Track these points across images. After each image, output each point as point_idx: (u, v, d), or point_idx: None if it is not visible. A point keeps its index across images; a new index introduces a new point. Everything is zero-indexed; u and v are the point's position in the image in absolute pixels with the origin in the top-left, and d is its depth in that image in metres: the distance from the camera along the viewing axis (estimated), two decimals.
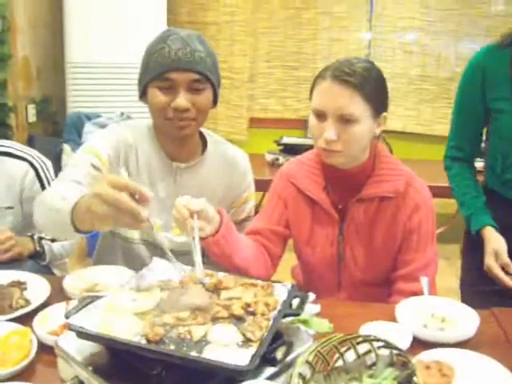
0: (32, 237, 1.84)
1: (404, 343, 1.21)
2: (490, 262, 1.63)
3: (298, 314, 1.07)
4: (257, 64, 4.61)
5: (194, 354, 0.90)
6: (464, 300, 1.44)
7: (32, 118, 3.93)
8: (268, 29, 4.53)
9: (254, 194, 1.80)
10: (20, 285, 1.45)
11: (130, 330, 0.95)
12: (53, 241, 1.87)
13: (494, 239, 1.66)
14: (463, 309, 1.38)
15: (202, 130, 1.72)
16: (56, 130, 4.05)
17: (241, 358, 0.89)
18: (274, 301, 1.06)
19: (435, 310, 1.36)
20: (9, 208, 1.86)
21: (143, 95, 1.58)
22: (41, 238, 1.84)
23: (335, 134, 1.41)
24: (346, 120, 1.41)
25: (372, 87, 1.42)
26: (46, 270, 1.85)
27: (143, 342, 0.92)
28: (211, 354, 0.90)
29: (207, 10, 4.54)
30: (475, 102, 1.76)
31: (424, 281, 1.45)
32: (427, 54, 4.36)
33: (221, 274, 1.20)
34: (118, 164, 1.59)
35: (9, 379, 1.06)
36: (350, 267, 1.59)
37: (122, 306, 1.02)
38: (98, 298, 1.05)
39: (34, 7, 3.94)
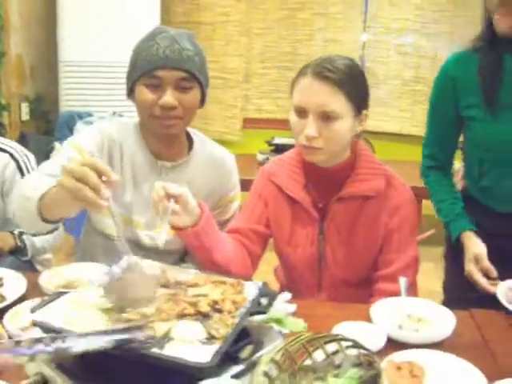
0: (12, 232, 1.83)
1: (377, 344, 1.20)
2: (470, 267, 1.61)
3: (264, 312, 1.06)
4: (251, 64, 4.62)
5: (154, 350, 0.89)
6: (446, 305, 1.42)
7: (25, 117, 3.94)
8: (263, 29, 4.53)
9: (239, 195, 1.79)
10: None
11: (93, 326, 0.94)
12: (34, 235, 1.86)
13: (473, 245, 1.64)
14: (440, 310, 1.37)
15: (189, 129, 1.71)
16: (49, 128, 4.05)
17: (203, 355, 0.88)
18: (242, 299, 1.06)
19: (412, 310, 1.35)
20: None
21: (131, 93, 1.57)
22: (21, 233, 1.84)
23: (316, 130, 1.41)
24: (326, 117, 1.40)
25: (353, 84, 1.42)
26: (27, 267, 1.84)
27: None
28: (173, 350, 0.89)
29: (202, 10, 4.54)
30: (448, 110, 1.73)
31: (402, 281, 1.44)
32: (421, 55, 4.36)
33: (192, 272, 1.19)
34: (102, 159, 1.58)
35: None
36: (331, 267, 1.58)
37: (88, 301, 1.01)
38: (66, 293, 1.04)
39: (28, 5, 3.95)
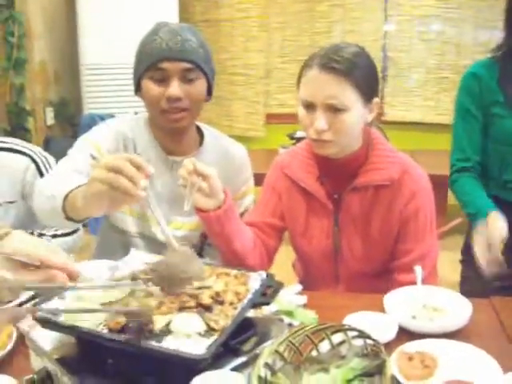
0: (32, 233, 1.85)
1: (388, 334, 1.17)
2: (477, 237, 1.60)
3: (268, 303, 1.05)
4: (271, 59, 4.59)
5: (152, 343, 0.88)
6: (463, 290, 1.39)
7: (50, 121, 4.01)
8: (282, 23, 4.50)
9: (253, 189, 1.78)
10: None
11: (94, 320, 0.94)
12: (54, 236, 1.88)
13: (497, 227, 1.59)
14: (457, 298, 1.33)
15: (199, 124, 1.71)
16: (74, 131, 4.11)
17: (200, 347, 0.87)
18: (245, 290, 1.04)
19: (427, 300, 1.31)
20: (11, 202, 1.88)
21: (138, 90, 1.58)
22: (41, 235, 1.86)
23: (325, 123, 1.37)
24: (335, 109, 1.37)
25: (361, 73, 1.38)
26: None
27: (105, 330, 0.92)
28: (171, 343, 0.88)
29: (220, 7, 4.55)
30: (475, 109, 1.76)
31: (418, 270, 1.40)
32: (445, 41, 4.26)
33: None
34: None
35: None
36: (347, 258, 1.56)
37: (89, 296, 1.01)
38: (69, 288, 1.04)
39: (49, 13, 4.02)
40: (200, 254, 1.76)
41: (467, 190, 1.77)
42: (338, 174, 1.52)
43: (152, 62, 1.49)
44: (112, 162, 1.00)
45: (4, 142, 1.93)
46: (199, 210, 1.39)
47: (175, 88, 1.48)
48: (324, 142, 1.41)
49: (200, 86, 1.54)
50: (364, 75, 1.39)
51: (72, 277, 0.89)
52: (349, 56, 1.37)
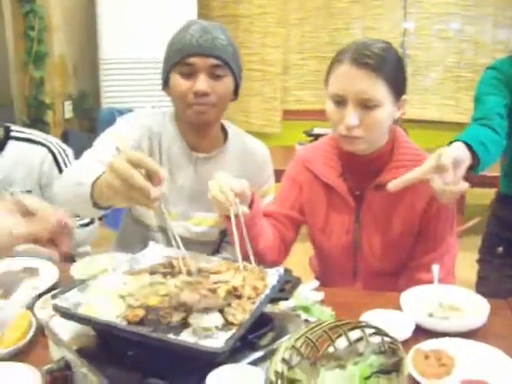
0: None
1: (405, 332, 1.17)
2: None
3: (286, 298, 1.05)
4: (289, 55, 4.58)
5: (170, 336, 0.89)
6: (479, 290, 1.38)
7: (69, 114, 4.04)
8: (300, 20, 4.49)
9: (274, 188, 1.79)
10: (31, 271, 1.49)
11: (113, 312, 0.95)
12: None
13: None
14: (474, 298, 1.32)
15: (224, 121, 1.72)
16: (92, 125, 4.14)
17: (219, 340, 0.88)
18: (263, 285, 1.04)
19: (444, 298, 1.31)
20: (28, 192, 1.91)
21: (166, 85, 1.60)
22: None
23: (356, 119, 1.37)
24: (366, 105, 1.36)
25: (391, 68, 1.37)
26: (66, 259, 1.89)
27: (124, 323, 0.92)
28: (189, 336, 0.89)
29: (239, 2, 4.54)
30: (498, 94, 1.69)
31: (435, 269, 1.40)
32: (464, 40, 4.22)
33: (214, 259, 1.18)
34: (142, 151, 1.59)
35: (4, 359, 1.09)
36: (367, 256, 1.55)
37: (108, 288, 1.02)
38: (87, 281, 1.05)
39: (69, 6, 4.04)
40: (217, 250, 1.77)
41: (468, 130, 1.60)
42: (362, 170, 1.51)
43: (181, 57, 1.51)
44: (122, 169, 0.97)
45: (22, 133, 1.96)
46: (226, 217, 1.36)
47: (202, 83, 1.51)
48: (354, 139, 1.40)
49: (227, 82, 1.56)
50: (394, 70, 1.38)
51: (66, 227, 0.92)
52: (379, 51, 1.36)
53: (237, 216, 1.29)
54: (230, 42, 1.57)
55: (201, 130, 1.63)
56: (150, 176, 0.99)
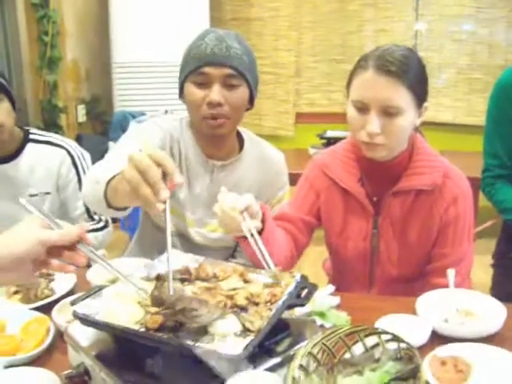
0: None
1: (421, 338, 1.17)
2: None
3: (302, 305, 1.05)
4: (302, 58, 4.58)
5: (189, 342, 0.89)
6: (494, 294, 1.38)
7: (82, 118, 4.07)
8: (312, 23, 4.48)
9: (288, 194, 1.78)
10: (48, 276, 1.50)
11: (131, 318, 0.96)
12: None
13: None
14: (491, 303, 1.32)
15: (240, 128, 1.72)
16: (105, 128, 4.17)
17: (236, 347, 0.88)
18: (279, 291, 1.05)
19: (460, 303, 1.31)
20: (47, 193, 1.94)
21: (181, 93, 1.60)
22: None
23: (379, 126, 1.36)
24: (389, 112, 1.35)
25: (414, 74, 1.36)
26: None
27: (143, 329, 0.93)
28: (207, 343, 0.89)
29: (251, 6, 4.55)
30: (509, 115, 1.73)
31: (450, 273, 1.40)
32: (477, 42, 4.20)
33: (230, 265, 1.19)
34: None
35: (24, 364, 1.10)
36: (384, 262, 1.55)
37: (128, 294, 1.03)
38: (106, 286, 1.06)
39: (82, 11, 4.08)
40: (232, 256, 1.78)
41: (508, 197, 1.75)
42: (381, 176, 1.51)
43: (196, 66, 1.51)
44: (142, 161, 0.94)
45: (42, 136, 2.00)
46: (239, 238, 1.37)
47: (216, 93, 1.50)
48: (375, 146, 1.40)
49: (241, 92, 1.55)
50: (417, 77, 1.38)
51: (86, 241, 0.96)
52: (402, 58, 1.36)
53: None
54: (246, 52, 1.55)
55: (216, 142, 1.63)
56: (165, 178, 0.95)
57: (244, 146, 1.70)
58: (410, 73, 1.35)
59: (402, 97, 1.34)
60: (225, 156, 1.67)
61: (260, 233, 1.35)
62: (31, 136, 1.96)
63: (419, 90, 1.38)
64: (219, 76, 1.50)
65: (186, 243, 1.70)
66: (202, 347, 0.88)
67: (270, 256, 1.28)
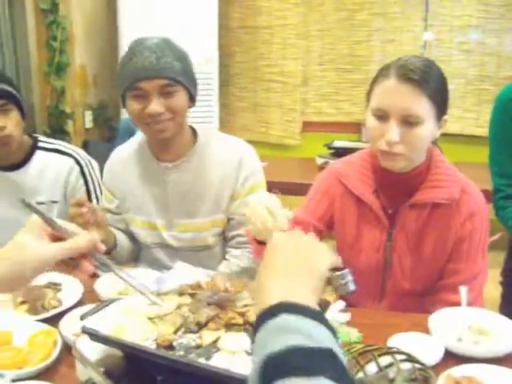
0: None
1: (434, 357, 1.15)
2: None
3: None
4: (309, 67, 4.56)
5: (201, 360, 0.88)
6: (503, 312, 1.36)
7: (89, 124, 4.06)
8: (320, 31, 4.46)
9: (262, 183, 1.74)
10: (55, 286, 1.49)
11: (141, 334, 0.94)
12: None
13: None
14: (504, 322, 1.30)
15: (196, 126, 1.75)
16: (112, 134, 4.16)
17: (248, 365, 0.86)
18: None
19: (473, 321, 1.29)
20: (54, 202, 1.93)
21: (124, 105, 1.64)
22: None
23: (398, 135, 1.35)
24: (409, 121, 1.34)
25: (435, 85, 1.36)
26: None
27: (153, 346, 0.92)
28: (219, 361, 0.88)
29: (259, 14, 4.54)
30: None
31: (463, 290, 1.38)
32: (486, 52, 4.17)
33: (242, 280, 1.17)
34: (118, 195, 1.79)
35: (31, 378, 1.08)
36: (397, 276, 1.53)
37: (137, 309, 1.02)
38: (116, 300, 1.05)
39: (90, 17, 4.07)
40: (225, 258, 1.75)
41: None
42: (397, 188, 1.49)
43: (130, 83, 1.55)
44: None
45: (51, 143, 1.99)
46: (256, 242, 1.30)
47: (155, 105, 1.54)
48: (394, 155, 1.38)
49: (180, 97, 1.59)
50: (438, 87, 1.37)
51: (98, 248, 0.91)
52: (424, 67, 1.35)
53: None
54: (178, 57, 1.56)
55: (164, 145, 1.67)
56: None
57: (196, 143, 1.72)
58: (431, 83, 1.34)
59: (422, 106, 1.33)
60: (175, 157, 1.71)
61: None
62: (40, 144, 1.96)
63: (439, 101, 1.37)
64: (154, 88, 1.54)
65: (170, 251, 1.75)
66: (214, 367, 0.86)
67: None
